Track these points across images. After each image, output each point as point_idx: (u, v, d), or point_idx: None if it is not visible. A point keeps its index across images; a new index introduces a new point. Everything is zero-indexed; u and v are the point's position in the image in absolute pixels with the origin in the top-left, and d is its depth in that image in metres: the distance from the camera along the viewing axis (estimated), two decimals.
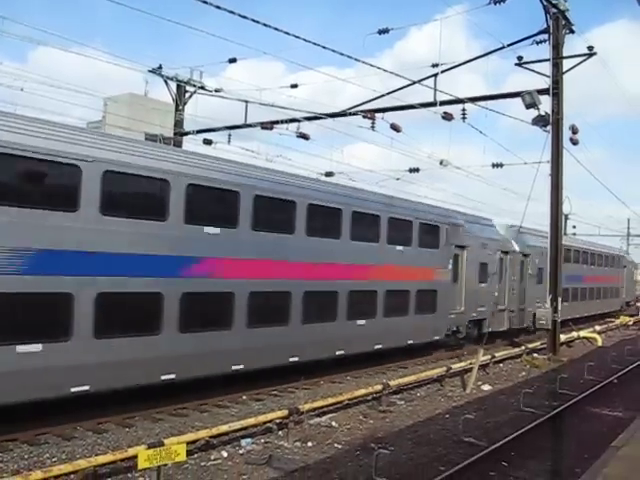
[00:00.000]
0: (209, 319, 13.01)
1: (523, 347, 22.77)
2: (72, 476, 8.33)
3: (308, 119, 24.80)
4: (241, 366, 13.55)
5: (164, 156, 12.36)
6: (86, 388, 10.83)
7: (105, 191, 10.97)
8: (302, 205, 14.97)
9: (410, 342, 19.22)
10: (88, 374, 10.79)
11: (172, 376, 12.20)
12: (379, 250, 17.64)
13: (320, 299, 15.71)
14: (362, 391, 14.03)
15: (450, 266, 20.95)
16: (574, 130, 22.92)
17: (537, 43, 22.11)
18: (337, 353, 16.44)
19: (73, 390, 10.66)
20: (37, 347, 10.10)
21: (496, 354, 20.53)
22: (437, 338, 20.83)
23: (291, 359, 14.93)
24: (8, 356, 9.68)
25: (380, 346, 17.80)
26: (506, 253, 25.52)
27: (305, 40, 15.93)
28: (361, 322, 16.97)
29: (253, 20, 14.31)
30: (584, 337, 27.97)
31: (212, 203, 13.16)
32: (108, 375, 11.07)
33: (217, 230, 12.95)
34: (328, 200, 15.97)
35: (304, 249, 15.15)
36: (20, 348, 9.88)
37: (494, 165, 25.95)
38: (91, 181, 10.73)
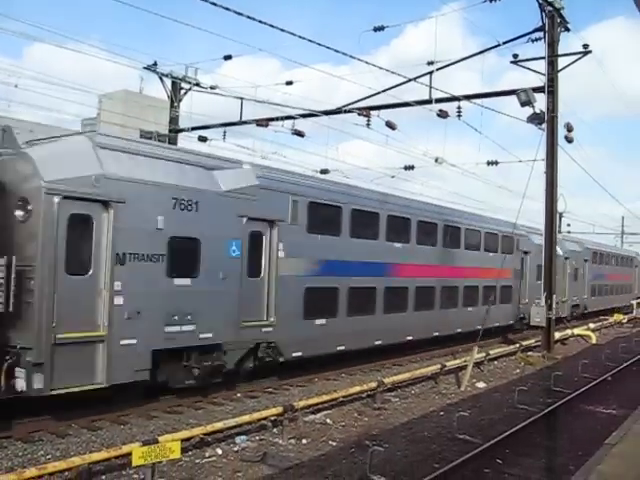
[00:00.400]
0: (396, 305, 19.05)
1: (518, 345, 22.82)
2: (66, 473, 8.30)
3: (303, 116, 24.75)
4: (410, 337, 19.64)
5: (375, 198, 18.86)
6: (343, 348, 16.91)
7: (352, 222, 17.13)
8: (441, 227, 21.64)
9: (496, 324, 24.66)
10: (344, 339, 16.76)
11: (380, 342, 18.37)
12: (480, 257, 24.15)
13: (450, 291, 22.06)
14: (357, 388, 14.06)
15: (519, 267, 27.58)
16: (569, 128, 22.91)
17: (533, 41, 22.08)
18: (457, 331, 22.55)
19: (338, 349, 16.77)
20: (323, 321, 16.09)
21: (491, 352, 20.57)
22: (512, 322, 27.13)
23: (434, 334, 21.18)
24: (312, 327, 15.68)
25: (479, 327, 22.00)
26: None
27: (300, 37, 15.86)
28: (470, 309, 23.24)
29: (248, 17, 14.22)
30: (578, 335, 28.09)
31: (398, 228, 19.43)
32: (352, 340, 17.09)
33: (400, 245, 19.35)
34: (453, 222, 22.32)
35: (441, 257, 21.27)
36: (317, 321, 15.92)
37: (489, 163, 25.94)
38: (345, 216, 17.00)
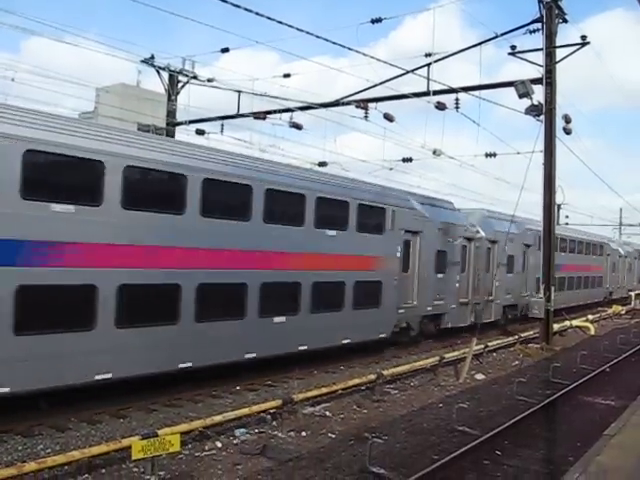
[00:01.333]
0: (571, 285, 33.24)
1: (516, 336, 22.86)
2: (66, 467, 8.33)
3: (301, 109, 24.69)
4: (573, 304, 33.07)
5: (563, 230, 35.23)
6: (564, 305, 30.25)
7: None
8: (566, 241, 34.25)
9: (596, 300, 41.02)
10: (562, 302, 29.04)
11: (571, 304, 32.44)
12: (588, 258, 39.17)
13: (579, 279, 36.77)
14: (356, 381, 14.07)
15: (604, 265, 43.21)
16: (567, 120, 22.85)
17: (531, 32, 21.96)
18: (583, 302, 37.23)
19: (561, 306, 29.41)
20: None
21: (489, 343, 20.61)
22: (601, 300, 42.64)
23: (579, 302, 36.52)
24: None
25: (595, 300, 40.02)
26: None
27: (298, 29, 15.83)
28: (584, 290, 37.73)
29: (246, 9, 14.16)
30: (577, 326, 28.14)
31: (568, 245, 33.93)
32: (565, 302, 31.15)
33: (564, 254, 31.91)
34: (580, 239, 37.80)
35: (578, 259, 34.75)
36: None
37: (487, 155, 25.90)
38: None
